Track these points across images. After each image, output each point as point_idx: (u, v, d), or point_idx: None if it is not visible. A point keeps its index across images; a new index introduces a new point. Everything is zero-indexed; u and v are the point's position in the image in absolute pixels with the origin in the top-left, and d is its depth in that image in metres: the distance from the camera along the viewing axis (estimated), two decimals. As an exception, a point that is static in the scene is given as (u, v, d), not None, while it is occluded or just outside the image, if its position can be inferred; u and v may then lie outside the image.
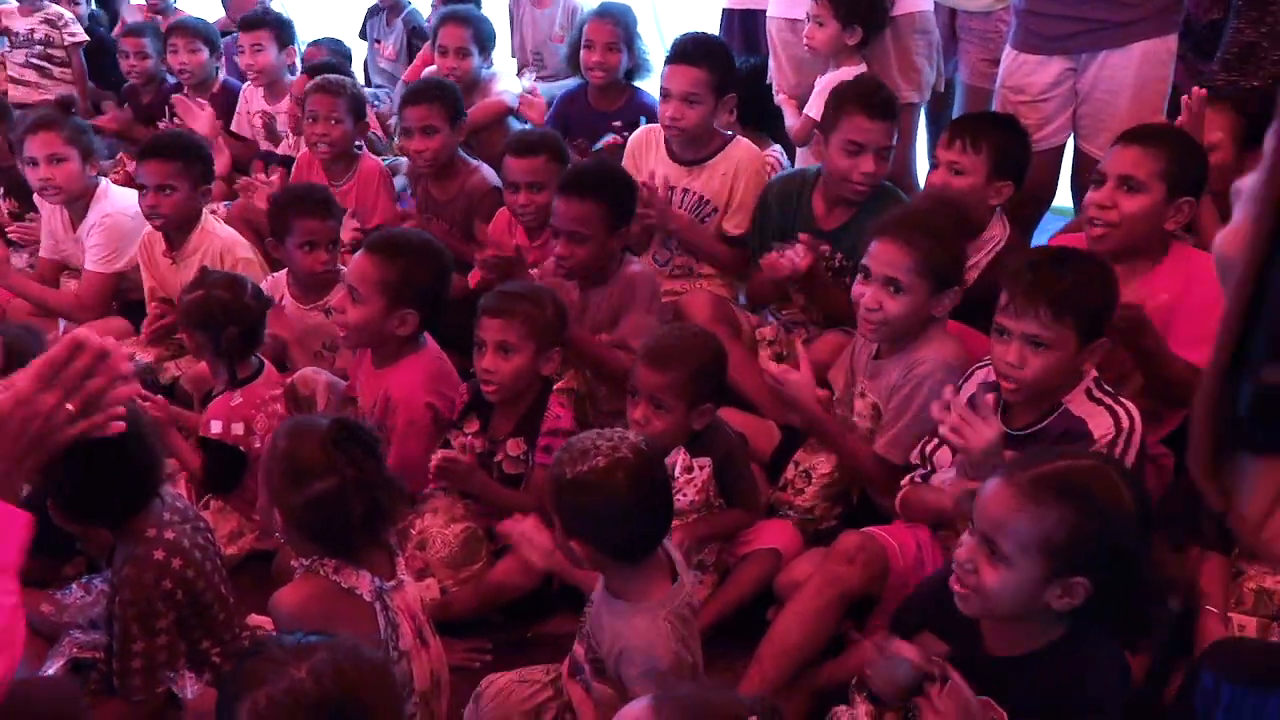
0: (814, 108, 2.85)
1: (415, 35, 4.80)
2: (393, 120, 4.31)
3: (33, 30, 4.62)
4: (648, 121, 3.35)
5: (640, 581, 1.59)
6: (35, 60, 4.66)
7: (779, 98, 3.16)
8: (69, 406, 1.23)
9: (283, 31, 4.04)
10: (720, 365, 2.09)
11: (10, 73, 4.68)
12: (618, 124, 3.54)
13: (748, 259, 2.80)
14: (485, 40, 3.90)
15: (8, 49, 4.68)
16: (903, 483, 2.01)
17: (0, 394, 1.22)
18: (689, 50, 2.82)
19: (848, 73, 2.82)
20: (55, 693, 1.43)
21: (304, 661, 1.16)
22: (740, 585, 2.05)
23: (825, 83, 2.84)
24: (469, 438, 2.18)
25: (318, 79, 3.41)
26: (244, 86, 4.17)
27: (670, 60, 2.83)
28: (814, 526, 2.15)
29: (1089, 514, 1.35)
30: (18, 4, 4.61)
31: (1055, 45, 2.68)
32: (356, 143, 3.42)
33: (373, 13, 4.97)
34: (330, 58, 4.27)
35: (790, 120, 3.08)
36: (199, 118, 3.92)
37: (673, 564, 1.63)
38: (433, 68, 4.08)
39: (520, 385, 2.13)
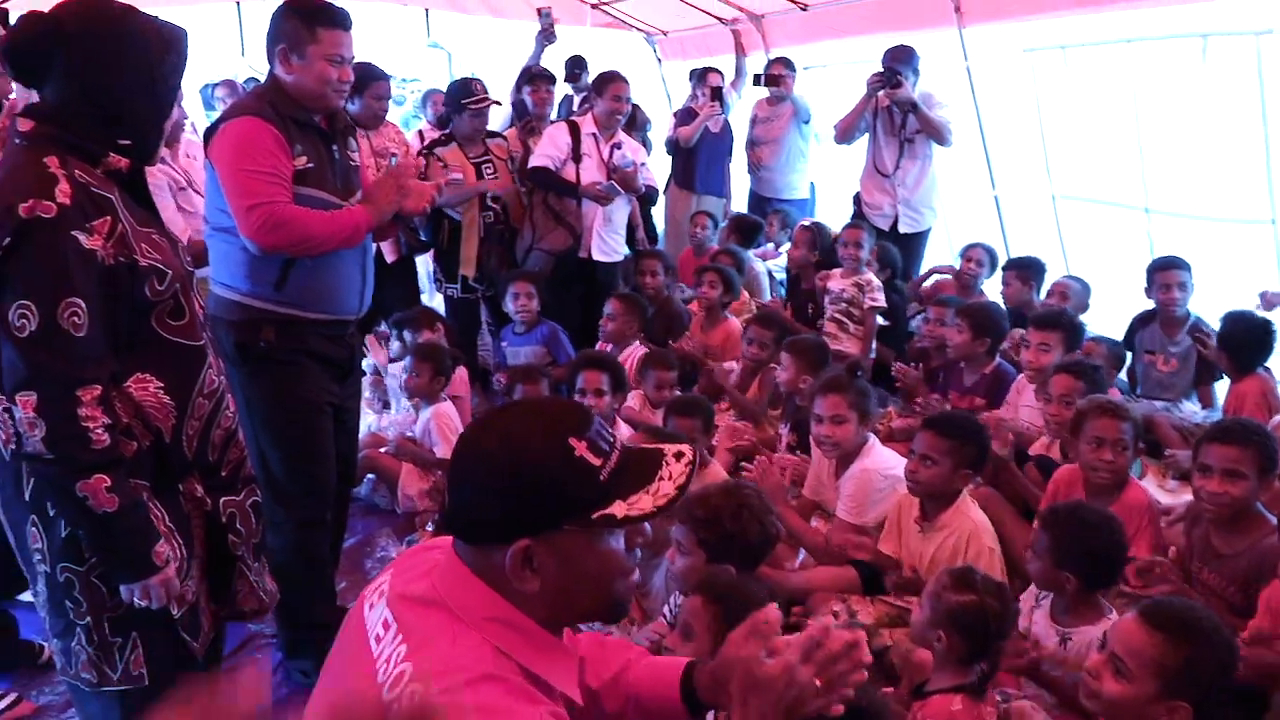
0: None
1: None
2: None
3: (843, 290, 5.29)
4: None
5: None
6: (838, 315, 5.30)
7: None
8: (817, 682, 1.38)
9: (1074, 336, 4.02)
10: None
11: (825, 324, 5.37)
12: None
13: None
14: None
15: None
16: None
17: (770, 661, 1.41)
18: None
19: None
20: None
21: None
22: None
23: None
24: None
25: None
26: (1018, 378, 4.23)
27: None
28: None
29: None
30: (840, 269, 5.33)
31: None
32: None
33: None
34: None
35: None
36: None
37: None
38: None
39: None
